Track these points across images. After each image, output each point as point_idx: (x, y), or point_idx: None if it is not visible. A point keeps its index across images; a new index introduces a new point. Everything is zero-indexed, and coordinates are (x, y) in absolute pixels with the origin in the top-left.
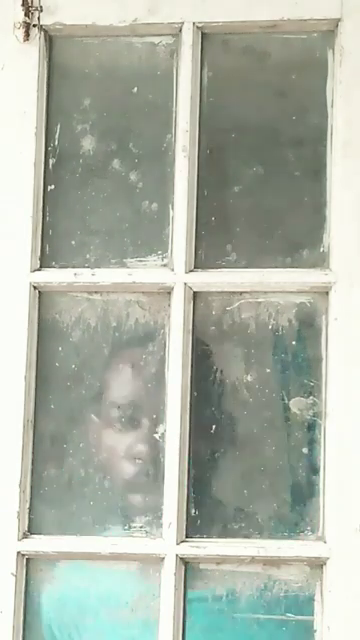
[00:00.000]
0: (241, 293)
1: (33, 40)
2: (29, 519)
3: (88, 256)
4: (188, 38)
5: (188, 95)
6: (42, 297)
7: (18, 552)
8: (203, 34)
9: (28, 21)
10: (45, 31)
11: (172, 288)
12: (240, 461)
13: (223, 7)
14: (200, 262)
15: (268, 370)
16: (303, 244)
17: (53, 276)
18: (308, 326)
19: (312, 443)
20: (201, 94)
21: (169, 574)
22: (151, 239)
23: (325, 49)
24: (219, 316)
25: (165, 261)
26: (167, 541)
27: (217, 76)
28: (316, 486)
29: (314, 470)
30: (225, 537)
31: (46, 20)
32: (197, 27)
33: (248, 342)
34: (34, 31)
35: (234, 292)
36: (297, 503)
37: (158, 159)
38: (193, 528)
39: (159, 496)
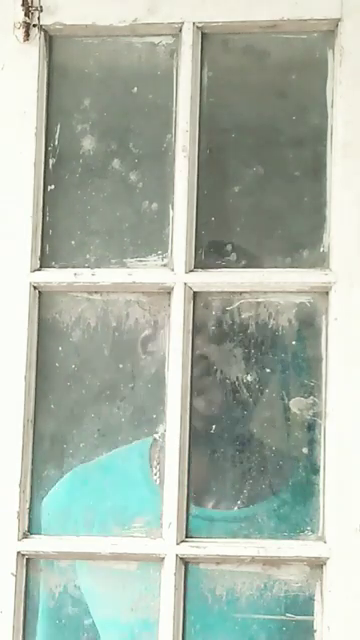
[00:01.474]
0: (241, 293)
1: (33, 40)
2: (29, 518)
3: (88, 256)
4: (188, 38)
5: (188, 95)
6: (42, 297)
7: (18, 552)
8: (203, 34)
9: (28, 21)
10: (45, 31)
11: (172, 288)
12: (240, 461)
13: (223, 7)
14: (200, 262)
15: (268, 370)
16: (303, 244)
17: (53, 276)
18: (308, 326)
19: (312, 443)
20: (201, 94)
21: (169, 574)
22: (151, 239)
23: (325, 49)
24: (219, 316)
25: (165, 261)
26: (167, 541)
27: (217, 76)
28: (316, 486)
29: (314, 470)
30: (225, 537)
31: (46, 20)
32: (197, 27)
33: (248, 342)
34: (34, 31)
35: (234, 292)
36: (297, 503)
37: (158, 159)
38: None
39: (159, 496)
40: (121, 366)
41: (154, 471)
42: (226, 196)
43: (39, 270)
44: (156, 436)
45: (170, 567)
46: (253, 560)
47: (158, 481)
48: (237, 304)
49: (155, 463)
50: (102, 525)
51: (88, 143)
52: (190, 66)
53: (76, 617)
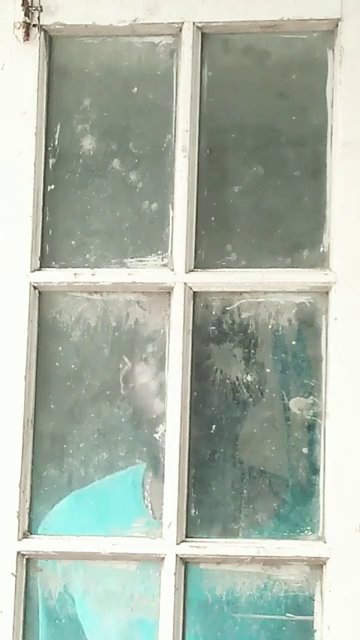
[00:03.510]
0: (241, 293)
1: (33, 40)
2: (29, 519)
3: (88, 256)
4: (188, 38)
5: (188, 95)
6: (42, 297)
7: (18, 552)
8: (203, 34)
9: (28, 21)
10: (45, 31)
11: (172, 288)
12: (240, 461)
13: (223, 7)
14: (200, 262)
15: (268, 370)
16: (303, 244)
17: (53, 276)
18: (308, 326)
19: (312, 443)
20: (201, 94)
21: (169, 574)
22: (151, 239)
23: (325, 49)
24: (219, 316)
25: (165, 261)
26: (167, 541)
27: (217, 76)
28: (316, 486)
29: (314, 470)
30: (225, 537)
31: (46, 20)
32: (197, 27)
33: (248, 342)
34: (34, 31)
35: (234, 292)
36: (297, 503)
37: (158, 159)
38: (193, 528)
39: (159, 496)
40: (121, 366)
41: (146, 501)
42: (226, 196)
43: (39, 270)
44: (148, 463)
45: (170, 567)
46: (253, 560)
47: (151, 510)
48: (237, 304)
49: (147, 493)
50: None
51: (88, 143)
52: (190, 66)
53: (76, 617)
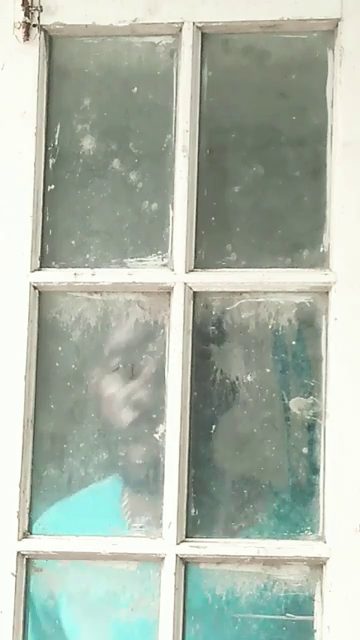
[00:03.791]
0: (241, 293)
1: (33, 40)
2: (29, 519)
3: (88, 256)
4: (188, 38)
5: (188, 95)
6: (42, 297)
7: (18, 552)
8: (203, 34)
9: (28, 21)
10: (45, 31)
11: (172, 288)
12: (240, 461)
13: (223, 7)
14: (200, 262)
15: (268, 370)
16: (303, 244)
17: (53, 276)
18: (308, 326)
19: (312, 443)
20: (201, 94)
21: (169, 574)
22: (151, 239)
23: (325, 49)
24: (219, 316)
25: (165, 261)
26: (167, 541)
27: (217, 76)
28: (316, 486)
29: (314, 470)
30: (225, 537)
31: (46, 20)
32: (197, 27)
33: (248, 342)
34: (34, 31)
35: (234, 292)
36: (297, 503)
37: (158, 159)
38: (193, 528)
39: (159, 496)
40: (121, 366)
41: (125, 511)
42: (226, 196)
43: (39, 270)
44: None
45: (170, 567)
46: (253, 560)
47: (128, 521)
48: (237, 304)
49: (125, 503)
50: None
51: (88, 143)
52: (190, 66)
53: (75, 617)
